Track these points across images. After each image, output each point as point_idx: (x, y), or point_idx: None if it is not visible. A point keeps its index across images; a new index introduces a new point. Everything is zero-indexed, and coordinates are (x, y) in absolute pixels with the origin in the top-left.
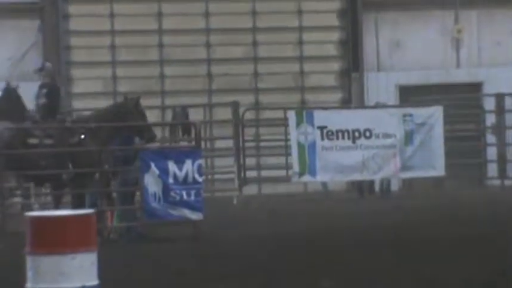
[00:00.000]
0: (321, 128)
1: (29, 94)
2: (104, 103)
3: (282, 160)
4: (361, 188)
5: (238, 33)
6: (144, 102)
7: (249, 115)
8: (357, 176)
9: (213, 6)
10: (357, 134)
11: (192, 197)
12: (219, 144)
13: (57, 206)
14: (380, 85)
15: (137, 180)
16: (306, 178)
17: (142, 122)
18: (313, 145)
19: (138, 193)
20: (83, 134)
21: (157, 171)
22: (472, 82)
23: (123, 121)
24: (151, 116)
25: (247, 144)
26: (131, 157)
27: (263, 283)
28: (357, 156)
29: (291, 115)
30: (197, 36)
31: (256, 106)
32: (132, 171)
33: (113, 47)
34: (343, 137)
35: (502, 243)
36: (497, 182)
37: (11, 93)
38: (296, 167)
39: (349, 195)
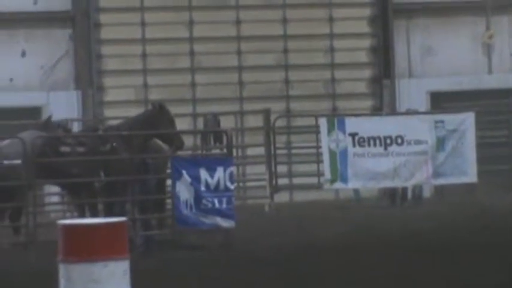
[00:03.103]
0: (353, 135)
1: (61, 103)
2: (135, 111)
3: (313, 167)
4: (394, 195)
5: (269, 41)
6: (176, 110)
7: (280, 122)
8: (389, 183)
9: (244, 13)
10: (388, 140)
11: (224, 205)
12: (250, 151)
13: (82, 215)
14: (411, 91)
15: (153, 189)
16: (338, 185)
17: (171, 130)
18: (344, 152)
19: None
20: (114, 142)
21: (189, 179)
22: (503, 88)
23: (153, 129)
24: (183, 124)
25: (279, 152)
26: (143, 165)
27: None
28: (388, 163)
29: (323, 122)
30: (228, 44)
31: (288, 113)
32: (149, 180)
33: (144, 55)
34: (374, 144)
35: None
36: None
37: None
38: (328, 174)
39: (381, 203)
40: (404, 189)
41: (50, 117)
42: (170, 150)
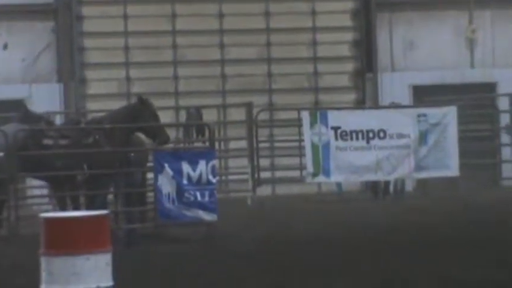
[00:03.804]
0: (335, 129)
1: (43, 95)
2: (118, 104)
3: (296, 161)
4: (375, 188)
5: (252, 34)
6: (158, 103)
7: (263, 116)
8: (371, 177)
9: (227, 7)
10: (371, 134)
11: (206, 198)
12: (233, 145)
13: (64, 208)
14: (394, 85)
15: (136, 182)
16: (320, 179)
17: (154, 124)
18: (327, 146)
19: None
20: (97, 134)
21: (171, 172)
22: (486, 82)
23: (135, 123)
24: (166, 117)
25: (261, 145)
26: (125, 159)
27: (277, 284)
28: (371, 157)
29: (305, 116)
30: (211, 37)
31: (270, 107)
32: (133, 173)
33: (126, 48)
34: (357, 138)
35: None
36: None
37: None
38: (310, 168)
39: (363, 196)
40: (387, 183)
41: (26, 108)
42: (153, 144)
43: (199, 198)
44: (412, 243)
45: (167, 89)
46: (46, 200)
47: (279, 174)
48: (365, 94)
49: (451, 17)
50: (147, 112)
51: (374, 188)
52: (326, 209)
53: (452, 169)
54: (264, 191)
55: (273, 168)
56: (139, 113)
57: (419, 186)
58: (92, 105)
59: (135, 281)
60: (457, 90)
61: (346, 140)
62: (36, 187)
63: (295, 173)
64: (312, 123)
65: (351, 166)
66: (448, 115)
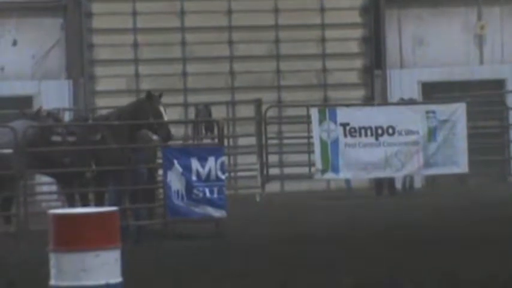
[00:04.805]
0: (344, 125)
1: (52, 92)
2: (127, 101)
3: (304, 157)
4: (380, 185)
5: (260, 31)
6: (167, 99)
7: (272, 112)
8: (380, 173)
9: (236, 3)
10: (379, 131)
11: (215, 195)
12: (242, 141)
13: (73, 205)
14: (403, 82)
15: (140, 178)
16: (329, 175)
17: (157, 120)
18: (336, 142)
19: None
20: (104, 131)
21: (180, 169)
22: (495, 79)
23: (141, 119)
24: (174, 114)
25: (270, 142)
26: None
27: (285, 280)
28: (379, 153)
29: (314, 112)
30: (219, 34)
31: (279, 103)
32: (139, 170)
33: (135, 45)
34: (366, 134)
35: None
36: None
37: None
38: (319, 164)
39: (372, 193)
40: (392, 180)
41: (40, 108)
42: (161, 140)
43: (208, 194)
44: (420, 239)
45: (176, 86)
46: (55, 196)
47: (287, 170)
48: (374, 91)
49: (459, 13)
50: (149, 108)
51: (378, 184)
52: (334, 205)
53: (461, 166)
54: (273, 187)
55: (281, 164)
56: (142, 109)
57: (428, 183)
58: (100, 102)
59: (144, 277)
60: (466, 87)
61: (355, 136)
62: (45, 183)
63: (304, 170)
64: (321, 120)
65: (360, 163)
66: (457, 112)
